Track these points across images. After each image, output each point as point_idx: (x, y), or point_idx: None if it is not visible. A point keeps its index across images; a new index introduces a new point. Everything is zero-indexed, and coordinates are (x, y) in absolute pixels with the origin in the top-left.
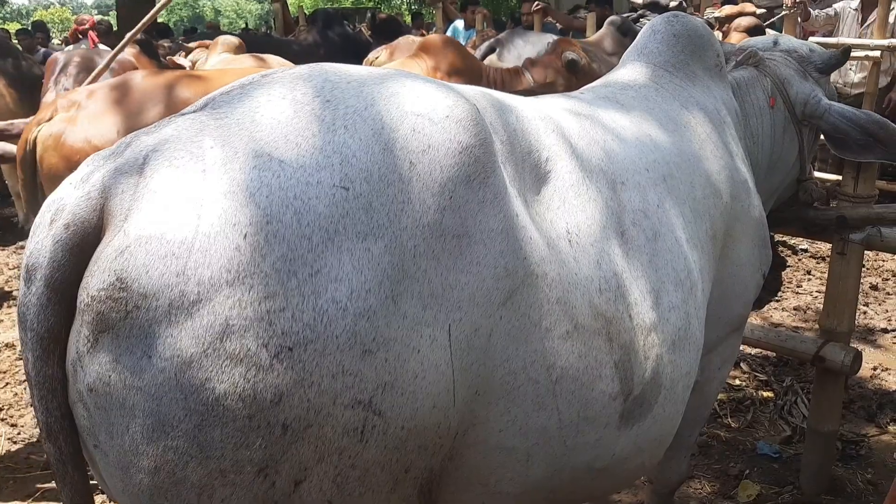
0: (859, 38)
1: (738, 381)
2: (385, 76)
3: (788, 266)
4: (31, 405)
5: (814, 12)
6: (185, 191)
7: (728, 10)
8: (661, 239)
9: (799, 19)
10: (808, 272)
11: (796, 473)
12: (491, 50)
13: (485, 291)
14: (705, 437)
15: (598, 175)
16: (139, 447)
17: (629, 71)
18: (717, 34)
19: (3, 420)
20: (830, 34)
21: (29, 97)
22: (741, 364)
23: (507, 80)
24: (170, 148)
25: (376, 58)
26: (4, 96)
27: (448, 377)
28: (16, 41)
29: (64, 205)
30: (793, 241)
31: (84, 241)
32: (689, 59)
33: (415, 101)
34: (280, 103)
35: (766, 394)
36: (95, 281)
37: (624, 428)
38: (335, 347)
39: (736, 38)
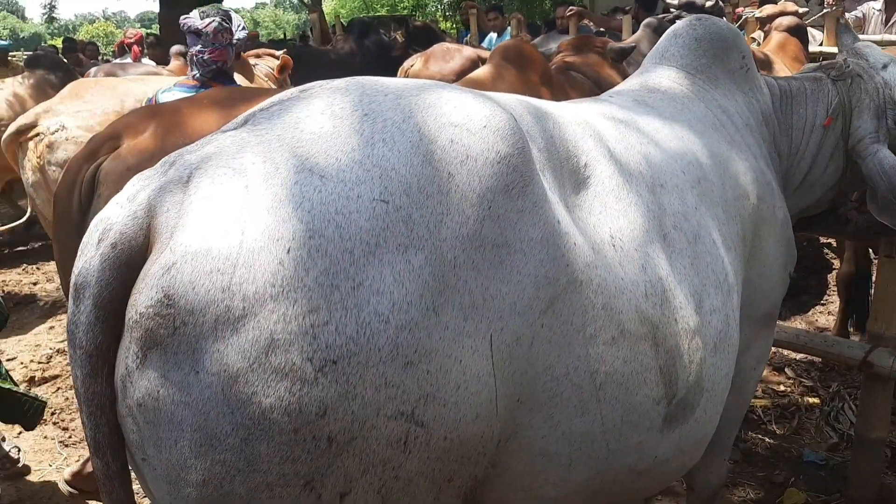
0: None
1: (782, 387)
2: (421, 87)
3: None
4: (81, 421)
5: (846, 14)
6: (228, 206)
7: (769, 9)
8: (701, 241)
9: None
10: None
11: (844, 481)
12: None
13: (525, 300)
14: (749, 443)
15: (637, 179)
16: (187, 461)
17: (655, 75)
18: (759, 33)
19: (55, 423)
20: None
21: None
22: (786, 369)
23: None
24: (213, 165)
25: (411, 66)
26: None
27: (490, 387)
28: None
29: (111, 224)
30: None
31: (131, 259)
32: (711, 62)
33: (452, 111)
34: (319, 118)
35: (812, 400)
36: (143, 298)
37: (667, 431)
38: (378, 360)
39: (777, 38)
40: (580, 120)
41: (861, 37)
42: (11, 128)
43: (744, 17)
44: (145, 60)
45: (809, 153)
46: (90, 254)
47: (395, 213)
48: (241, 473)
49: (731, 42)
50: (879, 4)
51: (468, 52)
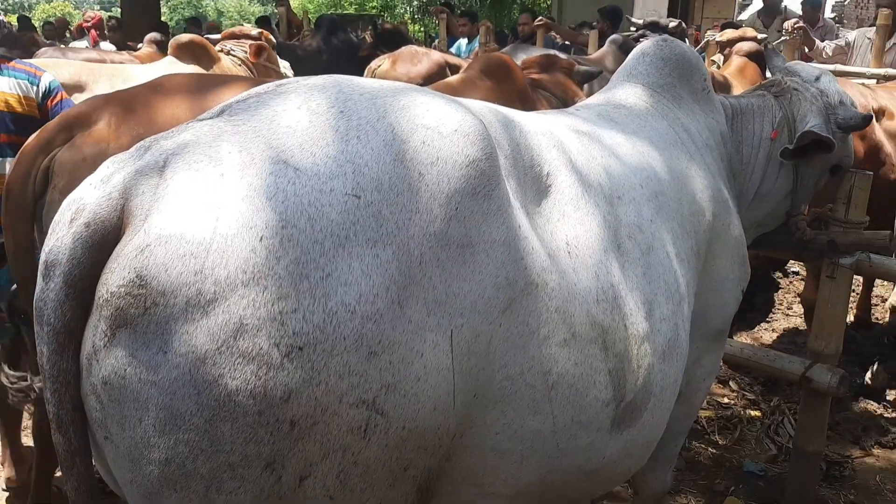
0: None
1: (726, 400)
2: (397, 89)
3: (780, 288)
4: (44, 397)
5: (821, 43)
6: (204, 193)
7: (729, 33)
8: (654, 252)
9: (803, 45)
10: (799, 294)
11: (781, 492)
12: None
13: (486, 299)
14: (692, 452)
15: (596, 190)
16: (151, 439)
17: (622, 91)
18: (719, 56)
19: None
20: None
21: None
22: (730, 383)
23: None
24: (189, 152)
25: (378, 66)
26: None
27: (449, 381)
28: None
29: (84, 204)
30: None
31: (104, 240)
32: (675, 81)
33: (425, 114)
34: (296, 113)
35: (753, 413)
36: (115, 278)
37: (615, 433)
38: (343, 348)
39: (737, 62)
40: (545, 130)
41: (840, 67)
42: None
43: (706, 39)
44: (104, 44)
45: (759, 166)
46: (62, 232)
47: (366, 209)
48: (203, 453)
49: (693, 64)
50: (871, 32)
51: (436, 56)
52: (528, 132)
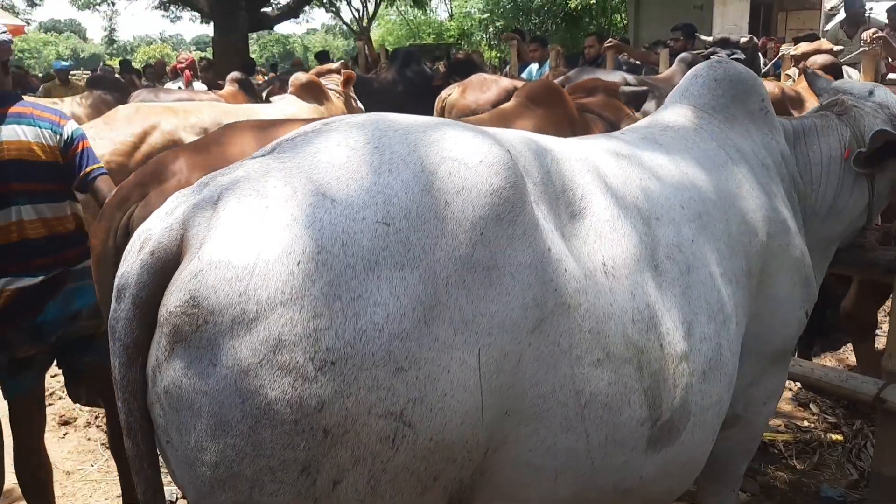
0: None
1: (806, 423)
2: (429, 125)
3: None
4: (117, 406)
5: None
6: (250, 223)
7: (804, 47)
8: (695, 272)
9: (886, 55)
10: (888, 314)
11: None
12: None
13: (514, 319)
14: (768, 477)
15: (633, 211)
16: (203, 444)
17: (671, 113)
18: (794, 70)
19: (98, 427)
20: None
21: None
22: (810, 406)
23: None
24: (240, 187)
25: (448, 95)
26: None
27: (476, 397)
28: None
29: (151, 234)
30: None
31: (166, 266)
32: (729, 102)
33: (452, 147)
34: (335, 149)
35: (835, 437)
36: (173, 299)
37: (651, 452)
38: (371, 364)
39: None
40: (580, 156)
41: None
42: None
43: (781, 53)
44: (197, 84)
45: (831, 185)
46: (131, 260)
47: (395, 235)
48: (248, 457)
49: (749, 85)
50: None
51: (505, 83)
52: (562, 159)
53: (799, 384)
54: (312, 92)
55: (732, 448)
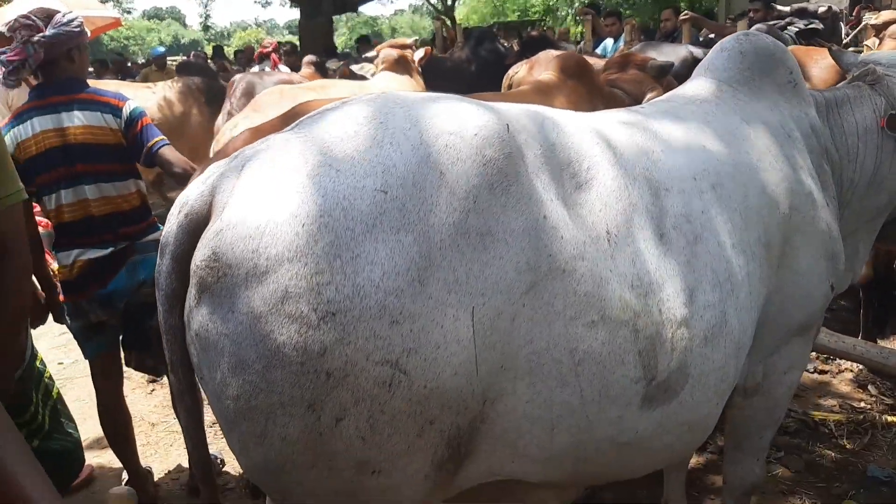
0: None
1: (862, 404)
2: (433, 99)
3: None
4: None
5: None
6: (263, 189)
7: (886, 15)
8: (702, 242)
9: None
10: None
11: None
12: None
13: (507, 282)
14: (815, 455)
15: (641, 182)
16: (227, 379)
17: (694, 86)
18: (874, 40)
19: None
20: None
21: (218, 113)
22: (869, 387)
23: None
24: (260, 158)
25: (516, 73)
26: (199, 114)
27: (470, 351)
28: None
29: (188, 199)
30: None
31: (198, 226)
32: (754, 75)
33: (450, 121)
34: (345, 124)
35: (890, 418)
36: (200, 254)
37: (647, 409)
38: (368, 316)
39: (890, 46)
40: (591, 128)
41: None
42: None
43: (863, 22)
44: (282, 67)
45: (870, 155)
46: (171, 222)
47: (392, 202)
48: (262, 392)
49: (777, 58)
50: None
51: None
52: (571, 132)
53: (862, 366)
54: (404, 66)
55: (754, 416)
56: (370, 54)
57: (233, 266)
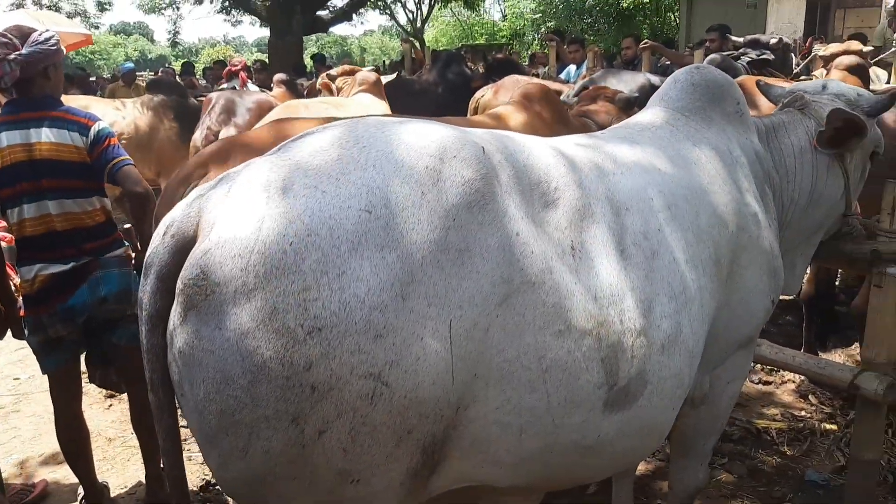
0: None
1: (803, 413)
2: (411, 124)
3: None
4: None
5: None
6: (251, 210)
7: (833, 47)
8: (659, 258)
9: None
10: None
11: (840, 502)
12: (584, 89)
13: (483, 294)
14: (756, 461)
15: (604, 202)
16: (210, 395)
17: (650, 114)
18: (821, 71)
19: None
20: None
21: (189, 131)
22: (809, 396)
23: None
24: (246, 181)
25: (482, 96)
26: (169, 130)
27: (447, 361)
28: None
29: (174, 221)
30: None
31: (184, 247)
32: (705, 105)
33: (430, 144)
34: (329, 149)
35: (829, 426)
36: (187, 273)
37: (609, 413)
38: (354, 331)
39: (837, 76)
40: (557, 152)
41: None
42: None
43: (812, 53)
44: (251, 85)
45: (807, 174)
46: (157, 242)
47: (376, 221)
48: (247, 407)
49: (725, 89)
50: None
51: (527, 83)
52: (537, 154)
53: (803, 377)
54: (379, 88)
55: (699, 425)
56: (332, 72)
57: (221, 284)
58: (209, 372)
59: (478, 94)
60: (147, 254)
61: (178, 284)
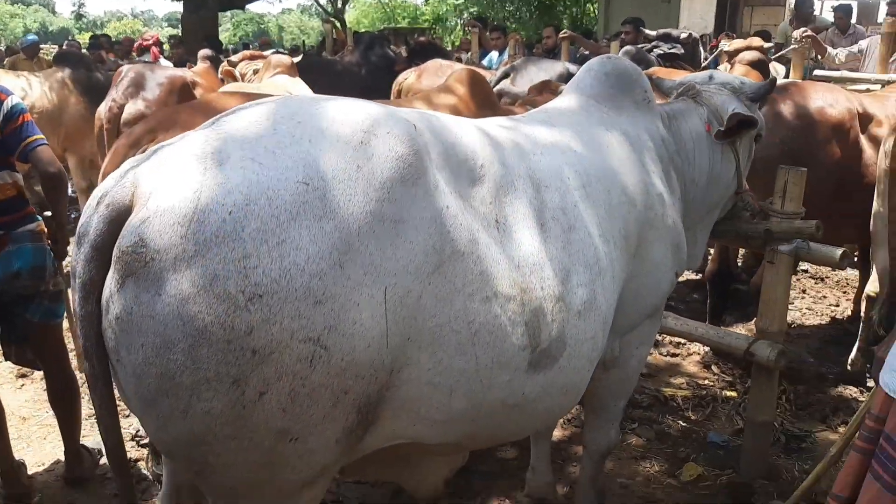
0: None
1: (707, 382)
2: (345, 101)
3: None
4: (73, 333)
5: (834, 50)
6: (189, 181)
7: (737, 43)
8: (575, 231)
9: (814, 53)
10: (803, 291)
11: (738, 460)
12: (505, 76)
13: (416, 263)
14: (664, 426)
15: (525, 179)
16: (150, 359)
17: (565, 100)
18: (726, 65)
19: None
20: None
21: (97, 105)
22: (712, 367)
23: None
24: (182, 152)
25: (405, 79)
26: (77, 104)
27: (382, 326)
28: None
29: (107, 191)
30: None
31: (119, 216)
32: (617, 93)
33: (364, 120)
34: (265, 122)
35: (729, 393)
36: (125, 241)
37: (532, 374)
38: (294, 297)
39: (740, 71)
40: (482, 132)
41: (851, 74)
42: None
43: (719, 48)
44: (162, 61)
45: (704, 156)
46: (89, 212)
47: (313, 192)
48: (188, 370)
49: (634, 78)
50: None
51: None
52: (463, 134)
53: (708, 349)
54: (294, 71)
55: (610, 387)
56: (233, 59)
57: (161, 251)
58: (149, 337)
59: (401, 77)
60: (80, 224)
61: (115, 252)
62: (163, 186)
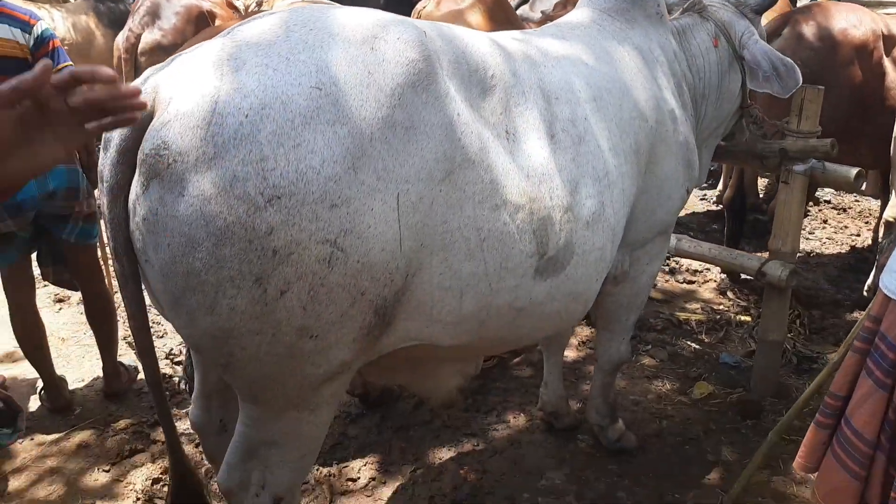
0: None
1: (721, 307)
2: (358, 11)
3: (808, 215)
4: (106, 236)
5: None
6: (207, 86)
7: None
8: (585, 144)
9: None
10: (825, 221)
11: (749, 380)
12: (524, 1)
13: (428, 170)
14: (677, 347)
15: (536, 91)
16: (176, 258)
17: (578, 14)
18: None
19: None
20: None
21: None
22: (727, 293)
23: None
24: (201, 61)
25: (423, 7)
26: (104, 38)
27: (395, 230)
28: None
29: None
30: (818, 193)
31: (142, 122)
32: (629, 6)
33: (374, 26)
34: (278, 29)
35: (743, 317)
36: (149, 144)
37: (539, 279)
38: (311, 200)
39: None
40: (493, 44)
41: None
42: None
43: None
44: None
45: (713, 71)
46: None
47: (327, 97)
48: (212, 268)
49: None
50: None
51: None
52: (473, 44)
53: (724, 276)
54: None
55: (621, 301)
56: None
57: (182, 153)
58: (174, 236)
59: (419, 6)
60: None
61: (140, 156)
62: (182, 91)
